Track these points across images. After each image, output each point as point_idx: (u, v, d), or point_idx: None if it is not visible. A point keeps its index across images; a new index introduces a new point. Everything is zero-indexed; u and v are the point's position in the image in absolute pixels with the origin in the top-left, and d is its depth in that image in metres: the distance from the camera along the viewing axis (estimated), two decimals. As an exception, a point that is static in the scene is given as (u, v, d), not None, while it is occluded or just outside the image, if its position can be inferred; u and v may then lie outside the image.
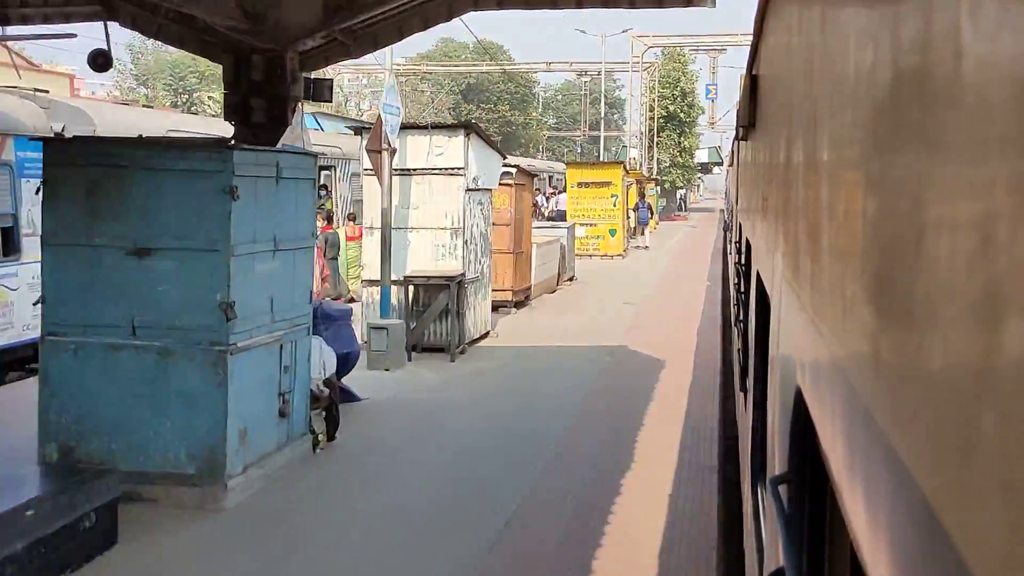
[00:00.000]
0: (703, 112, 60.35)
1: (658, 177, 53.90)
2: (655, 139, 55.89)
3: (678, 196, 64.31)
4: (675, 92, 57.22)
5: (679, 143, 58.17)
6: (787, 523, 1.92)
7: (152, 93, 51.22)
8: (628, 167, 49.07)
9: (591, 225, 29.20)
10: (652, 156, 56.09)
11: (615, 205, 29.08)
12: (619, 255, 29.16)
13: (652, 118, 55.76)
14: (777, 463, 2.37)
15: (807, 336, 1.70)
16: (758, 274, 3.87)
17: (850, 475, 1.17)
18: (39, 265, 7.57)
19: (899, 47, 0.97)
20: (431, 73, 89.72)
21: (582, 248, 29.21)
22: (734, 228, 11.18)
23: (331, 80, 11.05)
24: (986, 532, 0.64)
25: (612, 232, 29.20)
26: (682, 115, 57.68)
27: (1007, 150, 0.63)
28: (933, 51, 0.83)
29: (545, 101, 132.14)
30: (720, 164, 75.71)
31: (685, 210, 64.84)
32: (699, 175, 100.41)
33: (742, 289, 6.20)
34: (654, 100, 55.74)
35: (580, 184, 29.25)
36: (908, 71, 0.93)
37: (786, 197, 2.46)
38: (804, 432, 1.76)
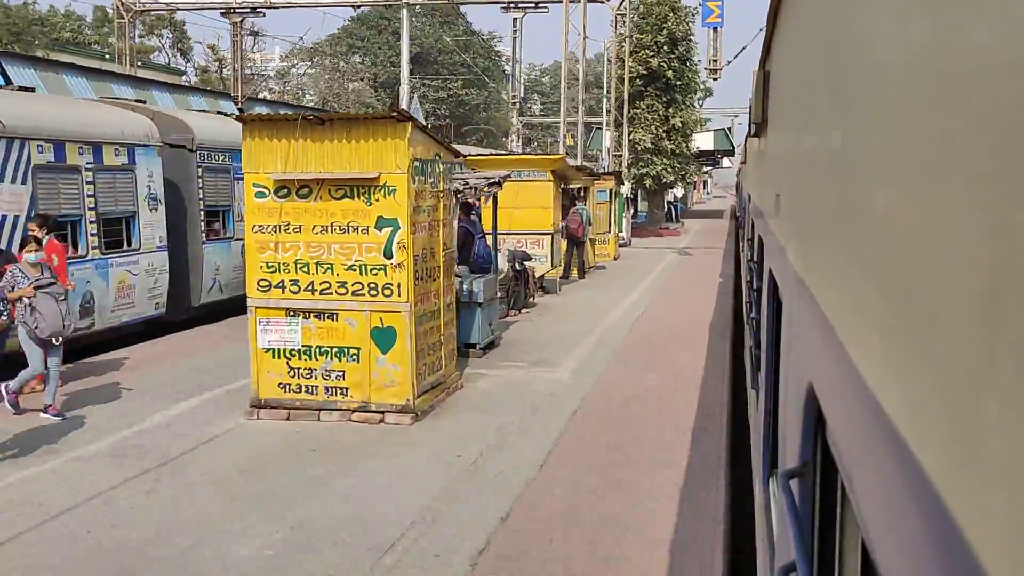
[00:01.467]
0: (705, 93, 40.13)
1: (623, 170, 33.50)
2: (625, 110, 35.62)
3: (667, 200, 43.74)
4: (659, 39, 37.05)
5: (666, 117, 37.83)
6: (798, 518, 1.92)
7: None
8: (565, 151, 29.11)
9: (314, 317, 9.23)
10: (622, 135, 35.78)
11: (391, 255, 9.10)
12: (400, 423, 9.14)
13: (623, 78, 35.55)
14: (788, 458, 2.39)
15: (819, 332, 1.74)
16: (770, 271, 3.98)
17: (861, 469, 1.21)
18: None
19: (913, 44, 0.98)
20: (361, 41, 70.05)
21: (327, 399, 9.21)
22: (747, 225, 10.58)
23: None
24: (996, 526, 0.65)
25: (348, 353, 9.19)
26: (671, 74, 37.39)
27: (1019, 148, 0.64)
28: (947, 48, 0.83)
29: (529, 84, 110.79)
30: (731, 153, 55.49)
31: (678, 220, 44.37)
32: (706, 168, 77.88)
33: (755, 287, 6.21)
34: (624, 52, 35.54)
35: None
36: (921, 68, 0.94)
37: (799, 194, 2.56)
38: (816, 427, 1.85)
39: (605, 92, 33.74)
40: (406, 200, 9.00)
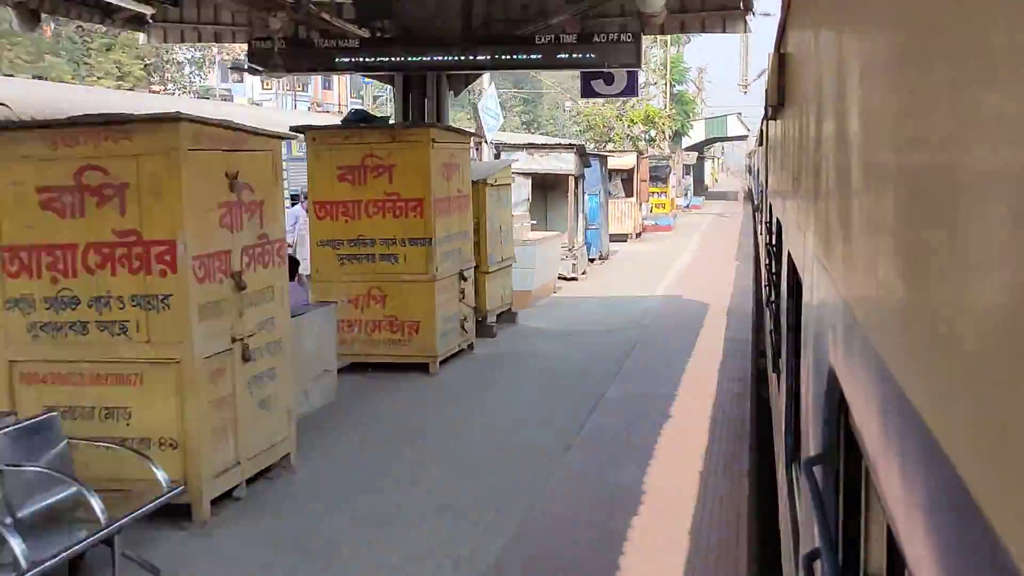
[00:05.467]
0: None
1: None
2: None
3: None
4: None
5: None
6: (822, 505, 1.88)
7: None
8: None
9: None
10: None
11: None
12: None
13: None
14: (811, 443, 2.37)
15: (840, 316, 1.72)
16: (789, 254, 3.95)
17: (884, 455, 1.18)
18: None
19: (931, 25, 0.96)
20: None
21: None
22: (764, 208, 10.24)
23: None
24: (1022, 512, 0.63)
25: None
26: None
27: None
28: (966, 30, 0.82)
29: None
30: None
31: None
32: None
33: (774, 270, 6.10)
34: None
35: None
36: (940, 50, 0.92)
37: (817, 176, 2.47)
38: (838, 412, 1.81)
39: None
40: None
